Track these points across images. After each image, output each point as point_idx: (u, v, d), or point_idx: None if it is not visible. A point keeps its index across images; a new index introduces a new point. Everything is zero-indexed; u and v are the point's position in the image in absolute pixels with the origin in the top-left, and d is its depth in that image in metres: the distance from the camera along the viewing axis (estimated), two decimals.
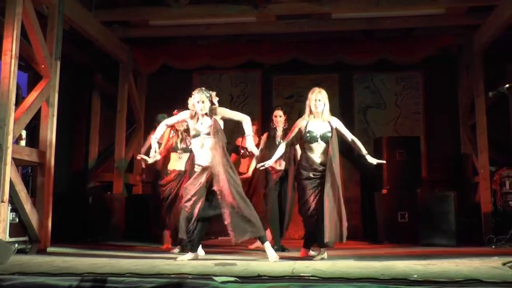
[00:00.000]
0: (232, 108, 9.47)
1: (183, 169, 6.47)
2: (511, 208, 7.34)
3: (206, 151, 5.24)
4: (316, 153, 5.43)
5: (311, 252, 5.64)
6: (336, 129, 5.50)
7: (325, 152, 5.41)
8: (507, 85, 4.87)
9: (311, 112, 5.48)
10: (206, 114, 5.31)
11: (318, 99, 5.43)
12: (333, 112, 5.70)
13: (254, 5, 7.81)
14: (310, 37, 9.13)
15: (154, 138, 5.60)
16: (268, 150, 6.51)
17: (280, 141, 6.47)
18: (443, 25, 8.53)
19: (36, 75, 6.56)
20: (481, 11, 7.94)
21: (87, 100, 10.11)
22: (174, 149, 6.54)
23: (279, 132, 6.63)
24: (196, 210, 5.19)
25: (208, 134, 5.24)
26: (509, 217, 7.28)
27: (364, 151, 5.57)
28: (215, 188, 5.18)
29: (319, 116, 5.47)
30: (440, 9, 8.06)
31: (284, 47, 9.30)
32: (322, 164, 5.41)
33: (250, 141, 5.43)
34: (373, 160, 5.60)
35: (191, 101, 5.49)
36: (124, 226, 8.42)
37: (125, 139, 9.34)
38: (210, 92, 5.37)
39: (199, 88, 5.38)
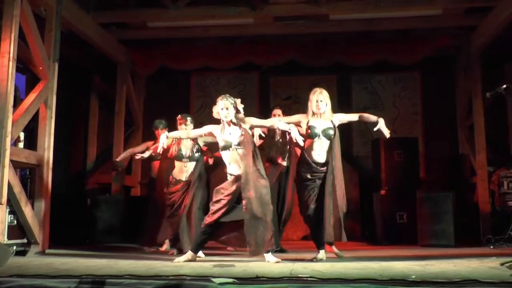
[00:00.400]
0: None
1: (184, 179, 6.13)
2: (509, 208, 7.34)
3: (237, 162, 5.14)
4: (317, 151, 5.37)
5: (335, 249, 5.72)
6: (340, 122, 5.48)
7: (326, 150, 5.38)
8: (504, 86, 4.91)
9: (313, 113, 5.46)
10: (233, 123, 5.20)
11: (320, 99, 5.40)
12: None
13: (251, 7, 7.83)
14: (307, 38, 9.14)
15: (164, 135, 5.51)
16: (268, 149, 6.50)
17: (279, 139, 6.45)
18: (441, 26, 8.56)
19: (34, 77, 6.56)
20: (479, 12, 7.97)
21: (85, 102, 10.12)
22: (178, 157, 6.16)
23: (278, 131, 6.58)
24: (217, 216, 5.09)
25: (239, 145, 5.13)
26: (507, 217, 7.28)
27: (373, 118, 5.45)
28: (242, 195, 5.06)
29: (321, 116, 5.45)
30: (438, 10, 8.07)
31: (282, 49, 9.31)
32: (322, 163, 5.36)
33: (295, 132, 5.09)
34: (384, 129, 5.35)
35: (215, 109, 5.27)
36: (123, 227, 8.41)
37: (123, 141, 9.35)
38: (235, 99, 5.24)
39: (222, 95, 5.25)
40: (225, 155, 5.20)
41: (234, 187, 5.12)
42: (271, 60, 9.46)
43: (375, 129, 5.36)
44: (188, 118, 6.23)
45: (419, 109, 9.87)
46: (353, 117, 5.58)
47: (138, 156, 6.99)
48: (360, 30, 8.85)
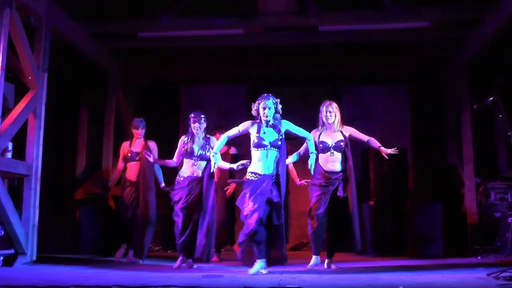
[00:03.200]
0: (220, 119, 9.55)
1: (196, 175, 5.91)
2: (497, 219, 7.38)
3: (269, 163, 5.14)
4: (329, 163, 5.62)
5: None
6: (350, 136, 5.76)
7: (339, 162, 5.63)
8: (491, 98, 4.95)
9: (323, 124, 5.73)
10: (271, 124, 5.22)
11: (329, 110, 5.70)
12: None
13: (241, 17, 7.86)
14: (297, 49, 9.18)
15: (214, 154, 5.36)
16: None
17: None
18: (429, 38, 8.62)
19: (23, 87, 6.54)
20: (466, 25, 8.04)
21: (75, 112, 10.06)
22: (189, 155, 5.90)
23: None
24: (258, 216, 4.95)
25: (275, 146, 5.15)
26: (494, 228, 7.33)
27: (377, 144, 5.86)
28: (276, 199, 5.05)
29: (331, 127, 5.71)
30: (426, 22, 8.15)
31: (272, 59, 9.34)
32: (335, 172, 5.60)
33: (313, 159, 5.29)
34: (386, 151, 5.82)
35: (254, 107, 5.32)
36: (111, 238, 8.35)
37: (113, 151, 9.31)
38: (276, 99, 5.30)
39: (265, 94, 5.30)
40: (256, 154, 5.19)
41: (265, 185, 5.05)
42: (261, 71, 9.49)
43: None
44: (202, 117, 5.99)
45: (408, 120, 9.91)
46: (364, 137, 5.91)
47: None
48: (350, 42, 8.89)
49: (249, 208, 4.99)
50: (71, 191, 9.40)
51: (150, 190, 6.75)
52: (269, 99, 5.23)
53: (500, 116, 4.87)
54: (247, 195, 5.06)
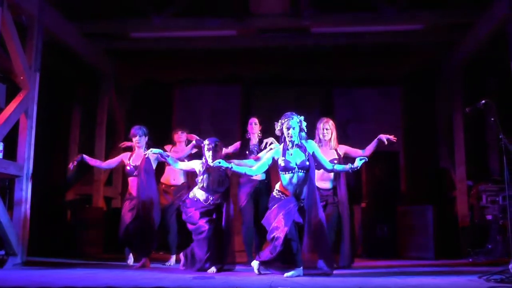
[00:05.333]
0: (213, 121, 9.54)
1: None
2: (488, 221, 7.41)
3: (298, 186, 4.98)
4: (321, 181, 5.69)
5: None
6: (345, 154, 5.87)
7: (331, 180, 5.76)
8: (483, 101, 4.97)
9: (320, 140, 5.83)
10: (297, 144, 5.03)
11: (326, 128, 5.86)
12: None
13: (235, 19, 7.86)
14: (290, 51, 9.19)
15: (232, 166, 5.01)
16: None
17: (254, 150, 6.39)
18: (423, 40, 8.65)
19: (15, 87, 6.50)
20: (459, 27, 8.07)
21: (67, 112, 10.02)
22: (207, 190, 5.51)
23: (254, 141, 6.55)
24: (285, 237, 4.80)
25: (303, 168, 4.96)
26: (486, 230, 7.36)
27: (373, 143, 5.94)
28: (298, 220, 4.91)
29: (327, 144, 5.85)
30: (419, 25, 8.18)
31: (265, 61, 9.35)
32: (325, 189, 5.72)
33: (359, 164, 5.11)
34: (385, 136, 5.93)
35: (278, 127, 5.12)
36: (103, 239, 8.33)
37: (105, 151, 9.28)
38: (300, 117, 5.09)
39: (289, 113, 5.07)
40: (284, 178, 5.01)
41: (293, 205, 4.93)
42: (254, 73, 9.50)
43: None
44: (218, 144, 5.52)
45: (400, 123, 9.93)
46: (358, 151, 5.90)
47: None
48: (343, 44, 8.90)
49: (278, 230, 4.85)
50: (62, 192, 9.37)
51: (151, 205, 6.16)
52: (292, 118, 5.02)
53: (492, 119, 4.89)
54: (274, 214, 4.94)
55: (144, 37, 8.81)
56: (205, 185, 5.46)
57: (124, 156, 6.39)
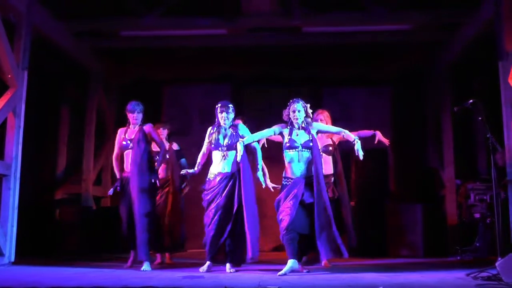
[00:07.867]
0: (202, 120, 9.51)
1: (225, 171, 5.53)
2: (476, 220, 7.46)
3: (301, 164, 5.28)
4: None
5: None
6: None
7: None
8: (471, 101, 5.01)
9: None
10: (302, 126, 5.34)
11: (321, 118, 6.12)
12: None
13: (225, 18, 7.86)
14: (280, 50, 9.20)
15: (241, 142, 5.32)
16: None
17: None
18: (412, 40, 8.69)
19: (3, 84, 6.46)
20: (447, 28, 8.12)
21: (56, 111, 9.96)
22: (216, 146, 5.55)
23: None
24: (289, 220, 5.06)
25: (307, 148, 5.27)
26: (474, 229, 7.41)
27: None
28: (309, 201, 5.14)
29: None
30: (408, 25, 8.22)
31: (255, 60, 9.35)
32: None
33: (359, 145, 5.35)
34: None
35: (285, 111, 5.41)
36: (92, 239, 8.29)
37: (94, 150, 9.24)
38: (306, 103, 5.39)
39: (295, 98, 5.39)
40: (288, 155, 5.31)
41: (297, 190, 5.15)
42: (244, 72, 9.50)
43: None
44: (230, 106, 5.68)
45: (389, 122, 9.96)
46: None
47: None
48: (333, 43, 8.92)
49: (282, 213, 5.14)
50: (51, 191, 9.32)
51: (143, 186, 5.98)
52: (298, 102, 5.35)
53: (480, 118, 4.93)
54: (281, 201, 5.21)
55: (133, 36, 8.75)
56: (214, 140, 5.57)
57: (120, 132, 6.36)
